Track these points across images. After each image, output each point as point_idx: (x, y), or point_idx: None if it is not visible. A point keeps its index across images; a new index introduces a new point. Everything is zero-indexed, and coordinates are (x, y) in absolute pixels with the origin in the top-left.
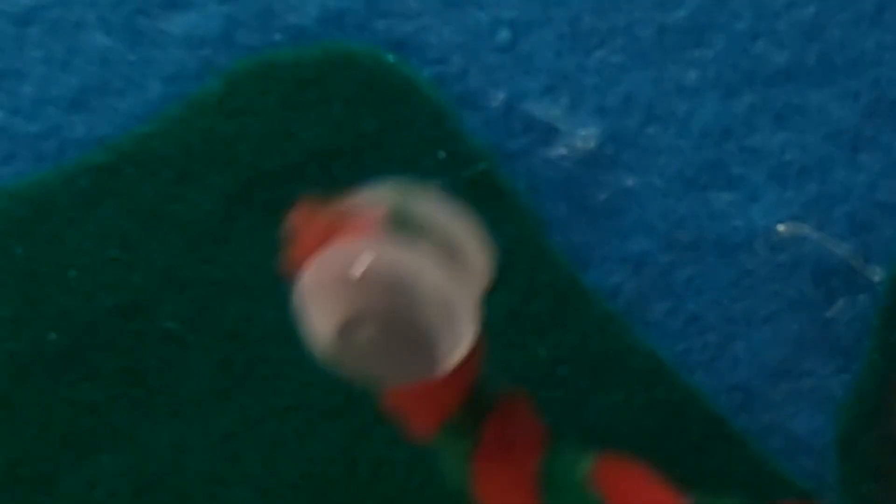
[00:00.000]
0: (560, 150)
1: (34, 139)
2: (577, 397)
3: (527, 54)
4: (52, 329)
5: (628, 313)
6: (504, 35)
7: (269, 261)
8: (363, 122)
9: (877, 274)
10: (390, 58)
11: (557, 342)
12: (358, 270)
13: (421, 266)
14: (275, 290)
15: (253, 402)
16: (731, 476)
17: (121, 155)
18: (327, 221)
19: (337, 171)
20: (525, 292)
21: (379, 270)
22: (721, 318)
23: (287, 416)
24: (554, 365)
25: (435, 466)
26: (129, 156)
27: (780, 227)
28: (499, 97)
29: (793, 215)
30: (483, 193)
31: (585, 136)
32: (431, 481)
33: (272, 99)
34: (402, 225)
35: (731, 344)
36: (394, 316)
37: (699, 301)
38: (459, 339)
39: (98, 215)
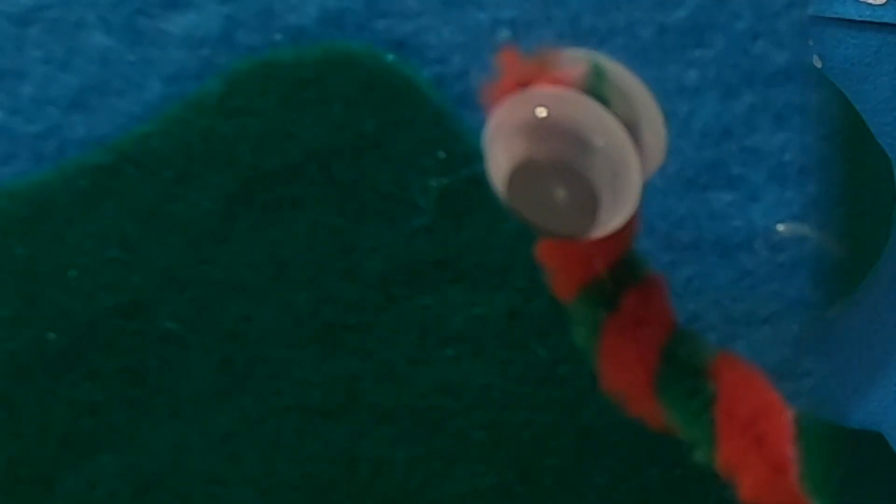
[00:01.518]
0: None
1: (34, 139)
2: (577, 397)
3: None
4: (52, 329)
5: None
6: (504, 35)
7: (269, 261)
8: (363, 122)
9: None
10: (390, 58)
11: (557, 342)
12: (542, 115)
13: (603, 126)
14: (275, 290)
15: (253, 402)
16: None
17: (121, 155)
18: (529, 68)
19: (337, 171)
20: (525, 292)
21: (562, 119)
22: (721, 318)
23: (287, 416)
24: (554, 365)
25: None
26: (129, 156)
27: (780, 227)
28: None
29: (793, 215)
30: (483, 193)
31: None
32: (431, 481)
33: (272, 99)
34: (597, 86)
35: (731, 344)
36: (566, 167)
37: (699, 301)
38: (623, 206)
39: (98, 215)
